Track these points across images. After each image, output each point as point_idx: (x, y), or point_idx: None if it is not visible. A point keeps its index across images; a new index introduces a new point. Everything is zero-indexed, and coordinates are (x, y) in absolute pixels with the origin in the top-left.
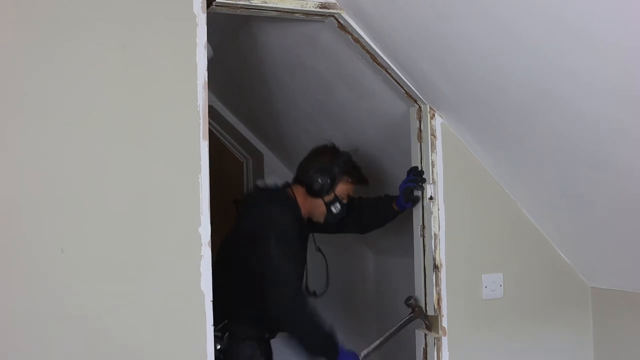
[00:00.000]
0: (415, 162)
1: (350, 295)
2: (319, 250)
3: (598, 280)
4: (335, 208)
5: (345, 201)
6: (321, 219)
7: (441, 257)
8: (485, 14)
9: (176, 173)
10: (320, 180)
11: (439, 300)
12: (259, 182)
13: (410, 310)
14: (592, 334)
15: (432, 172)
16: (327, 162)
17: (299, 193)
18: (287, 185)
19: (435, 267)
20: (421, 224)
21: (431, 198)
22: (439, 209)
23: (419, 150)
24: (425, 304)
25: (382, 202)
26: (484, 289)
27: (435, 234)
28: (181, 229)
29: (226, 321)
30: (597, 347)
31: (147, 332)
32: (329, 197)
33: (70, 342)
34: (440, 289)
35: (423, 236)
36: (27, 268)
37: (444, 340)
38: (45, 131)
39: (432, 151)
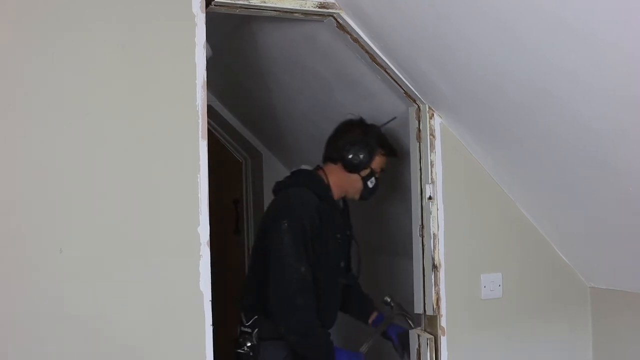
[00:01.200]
0: (414, 162)
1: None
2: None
3: (597, 280)
4: (371, 182)
5: (378, 175)
6: (357, 196)
7: (440, 256)
8: (484, 14)
9: (175, 173)
10: (358, 154)
11: (437, 300)
12: (294, 169)
13: (389, 309)
14: (591, 334)
15: (431, 172)
16: (362, 135)
17: (332, 171)
18: (318, 167)
19: (434, 267)
20: (420, 223)
21: (430, 198)
22: (437, 209)
23: (417, 150)
24: (424, 304)
25: (367, 306)
26: (483, 289)
27: (434, 234)
28: (180, 228)
29: (256, 317)
30: (595, 346)
31: (145, 332)
32: (365, 172)
33: (70, 342)
34: (439, 288)
35: (422, 236)
36: (25, 268)
37: (443, 340)
38: (44, 131)
39: (431, 151)
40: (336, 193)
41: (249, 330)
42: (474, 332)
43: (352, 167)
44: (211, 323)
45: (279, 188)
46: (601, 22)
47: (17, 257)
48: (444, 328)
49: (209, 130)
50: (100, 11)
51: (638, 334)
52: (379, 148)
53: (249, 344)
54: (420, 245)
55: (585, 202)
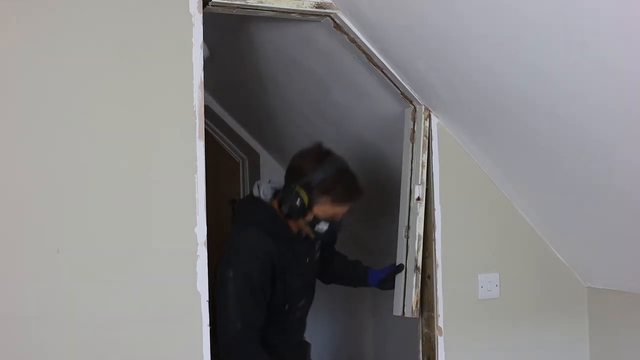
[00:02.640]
0: (405, 163)
1: (346, 297)
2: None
3: (594, 280)
4: (320, 229)
5: (337, 218)
6: (312, 235)
7: (437, 257)
8: (481, 16)
9: (172, 173)
10: (289, 203)
11: (417, 302)
12: (254, 189)
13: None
14: (588, 334)
15: (422, 173)
16: (304, 176)
17: None
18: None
19: (417, 269)
20: (406, 224)
21: (419, 199)
22: (434, 209)
23: (410, 151)
24: (404, 305)
25: (356, 269)
26: (480, 289)
27: (419, 235)
28: (177, 229)
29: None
30: (593, 346)
31: (142, 333)
32: (307, 218)
33: (66, 342)
34: (419, 290)
35: (407, 237)
36: (22, 268)
37: (440, 340)
38: (41, 131)
39: (422, 152)
40: (294, 225)
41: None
42: (471, 332)
43: (286, 214)
44: (208, 323)
45: (236, 218)
46: (595, 24)
47: (14, 257)
48: (441, 328)
49: (206, 130)
50: (97, 11)
51: (635, 333)
52: (323, 196)
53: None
54: (404, 246)
55: (582, 202)
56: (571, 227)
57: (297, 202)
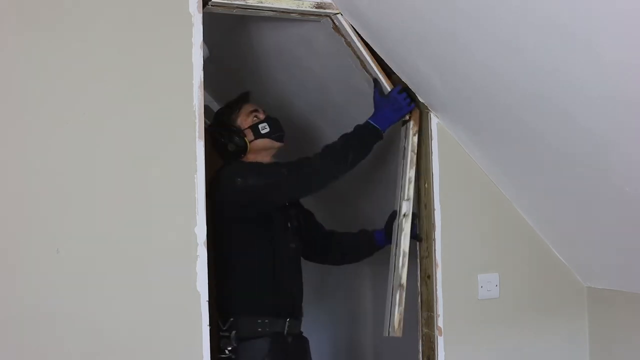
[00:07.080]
0: (398, 180)
1: (346, 295)
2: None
3: (594, 280)
4: (265, 128)
5: (261, 117)
6: (276, 146)
7: (437, 257)
8: (480, 17)
9: (172, 173)
10: (229, 143)
11: (400, 321)
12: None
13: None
14: (588, 334)
15: (409, 189)
16: (215, 128)
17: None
18: None
19: (400, 286)
20: (395, 241)
21: (405, 215)
22: (434, 209)
23: (401, 169)
24: (389, 325)
25: (363, 237)
26: (480, 289)
27: (404, 252)
28: (177, 228)
29: (232, 319)
30: (592, 347)
31: (142, 333)
32: (250, 135)
33: (66, 342)
34: (403, 309)
35: (395, 255)
36: (22, 268)
37: (440, 340)
38: (41, 131)
39: (410, 168)
40: None
41: (227, 333)
42: (471, 332)
43: (241, 151)
44: (208, 323)
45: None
46: (593, 23)
47: (14, 257)
48: (440, 328)
49: (205, 130)
50: (97, 11)
51: (635, 333)
52: (232, 115)
53: (229, 348)
54: (393, 262)
55: (582, 201)
56: (571, 227)
57: (233, 140)
